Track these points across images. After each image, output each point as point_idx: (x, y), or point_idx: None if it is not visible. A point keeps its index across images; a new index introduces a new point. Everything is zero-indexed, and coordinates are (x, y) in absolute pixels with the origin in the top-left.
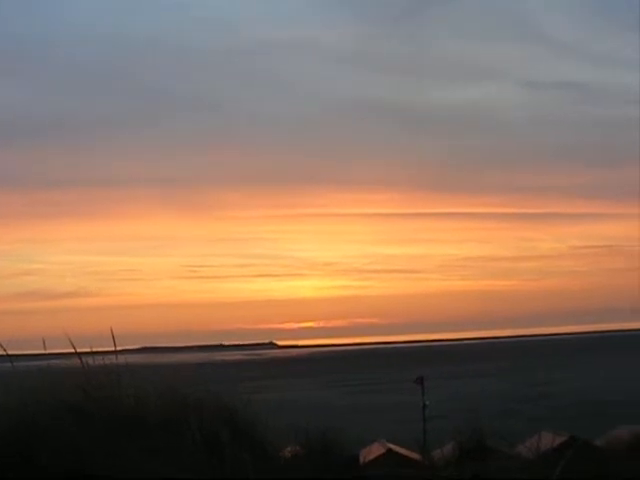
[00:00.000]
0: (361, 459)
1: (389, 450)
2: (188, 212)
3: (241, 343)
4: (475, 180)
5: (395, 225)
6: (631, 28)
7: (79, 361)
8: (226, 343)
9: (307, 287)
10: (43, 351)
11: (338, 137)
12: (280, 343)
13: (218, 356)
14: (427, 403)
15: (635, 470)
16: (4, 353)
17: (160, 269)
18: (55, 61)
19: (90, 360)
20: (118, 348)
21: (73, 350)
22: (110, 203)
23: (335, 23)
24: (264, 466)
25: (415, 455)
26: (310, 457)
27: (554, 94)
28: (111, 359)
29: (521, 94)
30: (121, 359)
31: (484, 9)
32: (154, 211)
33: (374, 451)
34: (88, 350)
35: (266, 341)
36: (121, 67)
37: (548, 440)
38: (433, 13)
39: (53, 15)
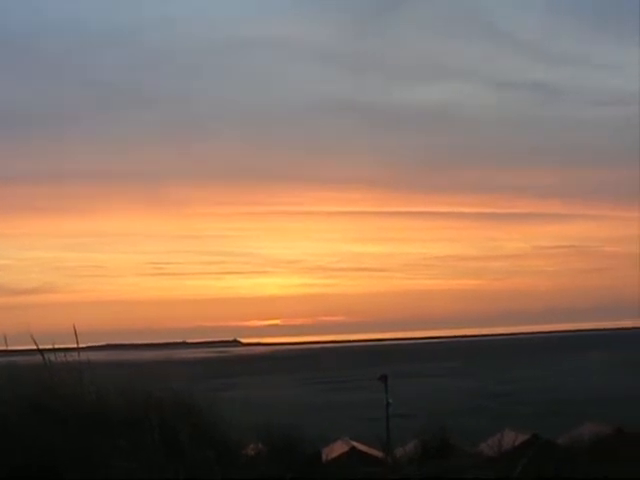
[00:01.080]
0: (324, 457)
1: (352, 448)
2: (153, 208)
3: (205, 341)
4: (442, 180)
5: (362, 223)
6: (602, 29)
7: (41, 358)
8: (190, 340)
9: (272, 285)
10: (5, 347)
11: (307, 135)
12: (244, 341)
13: (182, 354)
14: (390, 401)
15: (596, 469)
16: None
17: (125, 266)
18: (25, 54)
19: (52, 357)
20: (82, 345)
21: (35, 347)
22: (75, 199)
23: (305, 22)
24: (226, 464)
25: (378, 453)
26: (273, 455)
27: (523, 94)
28: (73, 356)
29: (490, 94)
30: (85, 356)
31: (453, 9)
32: (119, 207)
33: (337, 449)
34: (50, 347)
35: (230, 339)
36: (87, 62)
37: (510, 438)
38: (403, 13)
39: (15, 8)
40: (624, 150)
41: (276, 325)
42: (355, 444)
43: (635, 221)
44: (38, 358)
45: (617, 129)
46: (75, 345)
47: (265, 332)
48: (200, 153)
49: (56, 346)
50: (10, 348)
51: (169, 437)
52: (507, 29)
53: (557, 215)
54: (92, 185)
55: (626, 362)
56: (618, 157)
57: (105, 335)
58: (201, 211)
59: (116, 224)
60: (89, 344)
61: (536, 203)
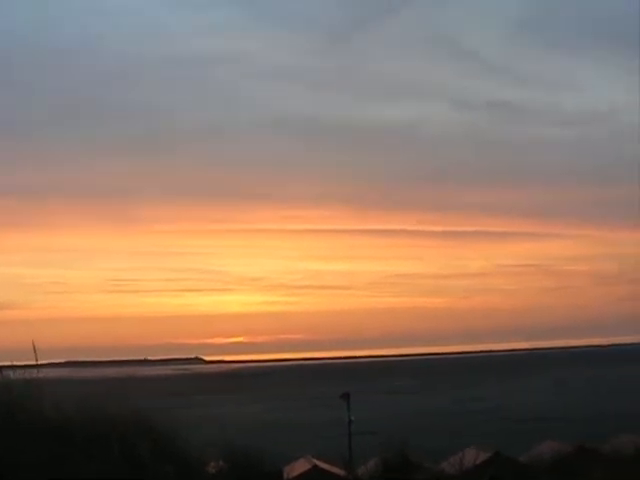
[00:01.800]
0: (285, 475)
1: (314, 466)
2: (114, 225)
3: (167, 358)
4: (406, 197)
5: (325, 241)
6: (563, 50)
7: (0, 374)
8: (152, 358)
9: (235, 302)
10: None
11: (270, 153)
12: (207, 358)
13: (144, 371)
14: (353, 419)
15: None
16: None
17: (86, 282)
18: None
19: (11, 374)
20: (43, 362)
21: None
22: (34, 214)
23: (273, 38)
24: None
25: (340, 471)
26: (234, 472)
27: (486, 113)
28: (33, 373)
29: (454, 113)
30: (46, 373)
31: (420, 29)
32: (79, 223)
33: (299, 467)
34: (9, 364)
35: (192, 356)
36: (52, 74)
37: (472, 456)
38: (369, 32)
39: None
40: (586, 169)
41: (239, 343)
42: (317, 462)
43: (597, 240)
44: None
45: (578, 148)
46: (34, 362)
47: (227, 350)
48: (163, 170)
49: (15, 363)
50: None
51: (129, 453)
52: (472, 49)
53: (520, 234)
54: (52, 201)
55: (589, 380)
56: (580, 176)
57: (65, 352)
58: (163, 228)
59: (77, 240)
60: (49, 361)
61: (499, 222)
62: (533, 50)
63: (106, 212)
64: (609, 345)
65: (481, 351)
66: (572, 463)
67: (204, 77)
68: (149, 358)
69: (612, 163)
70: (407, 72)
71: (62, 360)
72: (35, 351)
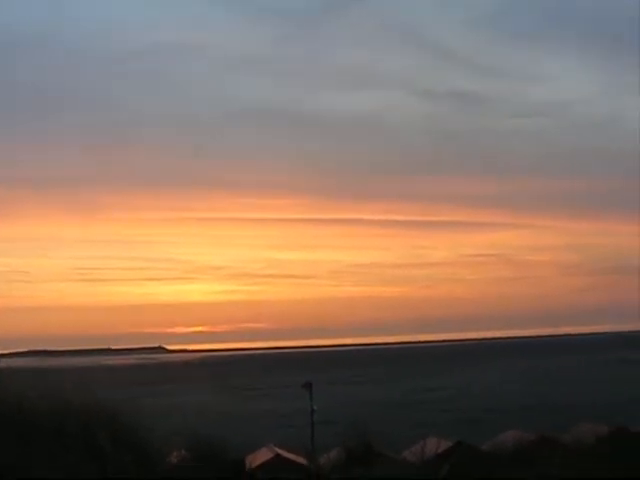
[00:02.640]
0: (248, 464)
1: (277, 455)
2: (77, 214)
3: (130, 347)
4: (369, 187)
5: (287, 230)
6: (525, 42)
7: None
8: (115, 347)
9: (197, 291)
10: None
11: (231, 142)
12: (170, 347)
13: (107, 360)
14: (315, 408)
15: (518, 474)
16: None
17: (49, 271)
18: None
19: None
20: (5, 351)
21: None
22: None
23: (232, 28)
24: (148, 469)
25: (303, 460)
26: (196, 462)
27: (449, 103)
28: None
29: (416, 103)
30: (8, 362)
31: (383, 20)
32: (43, 213)
33: (262, 456)
34: None
35: (155, 345)
36: (8, 65)
37: (433, 445)
38: (332, 22)
39: None
40: (548, 160)
41: (201, 332)
42: (280, 451)
43: (558, 230)
44: None
45: (540, 139)
46: None
47: (190, 339)
48: (124, 159)
49: None
50: None
51: (90, 442)
52: (437, 39)
53: (482, 224)
54: (16, 190)
55: (549, 370)
56: (541, 166)
57: (28, 341)
58: (127, 217)
59: (40, 229)
60: (11, 350)
61: (462, 212)
62: (497, 41)
63: (69, 202)
64: (571, 334)
65: (444, 340)
66: (533, 452)
67: (166, 67)
68: (112, 347)
69: (574, 154)
70: (372, 62)
71: (25, 349)
72: None
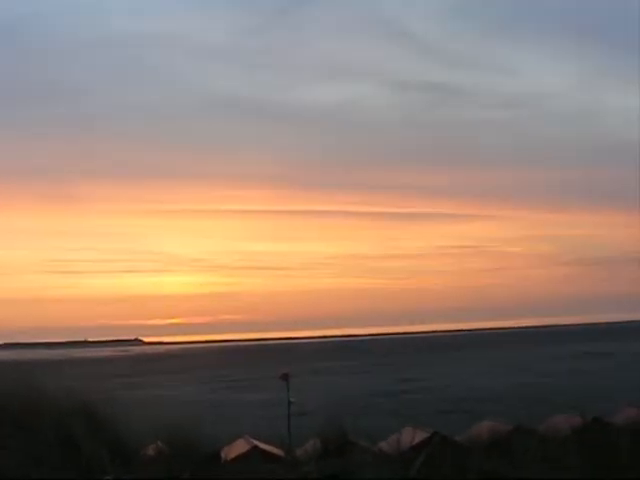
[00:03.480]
0: (223, 456)
1: (254, 447)
2: (53, 205)
3: (106, 339)
4: (342, 178)
5: (262, 222)
6: (499, 33)
7: None
8: (91, 339)
9: (174, 283)
10: None
11: (206, 132)
12: (146, 339)
13: (83, 352)
14: (292, 400)
15: (493, 465)
16: None
17: (22, 263)
18: None
19: None
20: None
21: None
22: None
23: (206, 18)
24: (123, 463)
25: (280, 452)
26: (171, 454)
27: (421, 95)
28: None
29: (389, 94)
30: None
31: (356, 10)
32: (15, 203)
33: (237, 448)
34: None
35: (132, 337)
36: None
37: (409, 436)
38: (305, 12)
39: None
40: (521, 152)
41: (178, 324)
42: (256, 443)
43: (533, 222)
44: None
45: (513, 131)
46: None
47: (167, 331)
48: (100, 150)
49: None
50: None
51: (64, 436)
52: (409, 30)
53: (457, 215)
54: None
55: (524, 362)
56: (517, 158)
57: (2, 334)
58: (101, 208)
59: (14, 220)
60: None
61: (436, 203)
62: (470, 32)
63: (42, 192)
64: (546, 326)
65: (419, 332)
66: (509, 442)
67: (139, 57)
68: (88, 339)
69: (547, 145)
70: (343, 53)
71: (0, 342)
72: None
